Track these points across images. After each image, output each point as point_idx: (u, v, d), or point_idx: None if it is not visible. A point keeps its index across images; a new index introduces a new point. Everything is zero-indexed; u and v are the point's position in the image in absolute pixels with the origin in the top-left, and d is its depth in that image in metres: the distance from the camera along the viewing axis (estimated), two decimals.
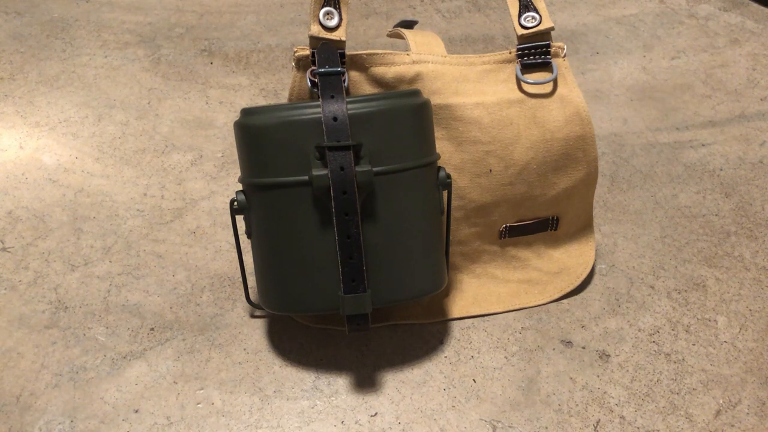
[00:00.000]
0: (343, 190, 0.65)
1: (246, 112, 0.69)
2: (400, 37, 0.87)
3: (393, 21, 1.35)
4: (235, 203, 0.77)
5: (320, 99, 0.67)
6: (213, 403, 0.72)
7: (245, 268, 0.85)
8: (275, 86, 1.16)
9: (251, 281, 0.85)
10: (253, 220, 0.71)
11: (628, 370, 0.76)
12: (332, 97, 0.67)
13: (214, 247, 0.90)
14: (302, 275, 0.69)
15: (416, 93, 0.71)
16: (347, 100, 0.67)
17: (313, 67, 0.74)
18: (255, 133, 0.68)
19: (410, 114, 0.69)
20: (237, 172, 1.00)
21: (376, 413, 0.71)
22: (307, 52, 0.74)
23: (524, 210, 0.82)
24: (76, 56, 1.17)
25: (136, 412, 0.71)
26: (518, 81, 0.79)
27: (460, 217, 0.80)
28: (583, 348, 0.78)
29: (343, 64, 0.74)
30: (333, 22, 0.73)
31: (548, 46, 0.79)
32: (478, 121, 0.77)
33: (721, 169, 1.05)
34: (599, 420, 0.71)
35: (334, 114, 0.66)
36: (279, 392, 0.73)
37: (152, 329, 0.79)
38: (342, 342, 0.78)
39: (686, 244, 0.92)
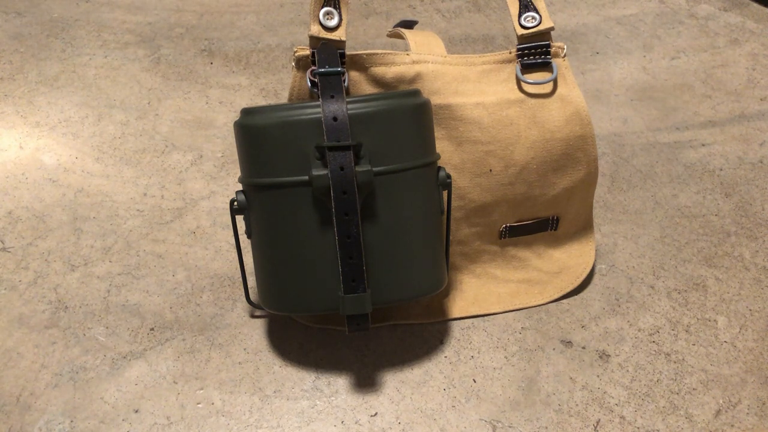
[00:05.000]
0: (343, 190, 0.65)
1: (246, 112, 0.69)
2: (400, 37, 0.87)
3: (393, 21, 1.35)
4: (235, 203, 0.77)
5: (320, 99, 0.67)
6: (213, 403, 0.72)
7: (245, 268, 0.85)
8: (275, 86, 1.16)
9: (251, 281, 0.85)
10: (253, 220, 0.71)
11: (628, 370, 0.76)
12: (332, 97, 0.67)
13: (214, 247, 0.90)
14: (302, 275, 0.69)
15: (416, 93, 0.71)
16: (347, 100, 0.67)
17: (313, 67, 0.74)
18: (255, 133, 0.68)
19: (410, 114, 0.69)
20: (237, 172, 1.00)
21: (376, 413, 0.71)
22: (307, 52, 0.74)
23: (524, 210, 0.82)
24: (76, 56, 1.17)
25: (136, 412, 0.71)
26: (518, 81, 0.79)
27: (460, 217, 0.80)
28: (583, 348, 0.78)
29: (343, 64, 0.74)
30: (333, 22, 0.73)
31: (548, 46, 0.79)
32: (478, 121, 0.77)
33: (721, 169, 1.05)
34: (599, 420, 0.71)
35: (334, 114, 0.66)
36: (279, 392, 0.73)
37: (152, 329, 0.79)
38: (342, 342, 0.78)
39: (686, 244, 0.92)
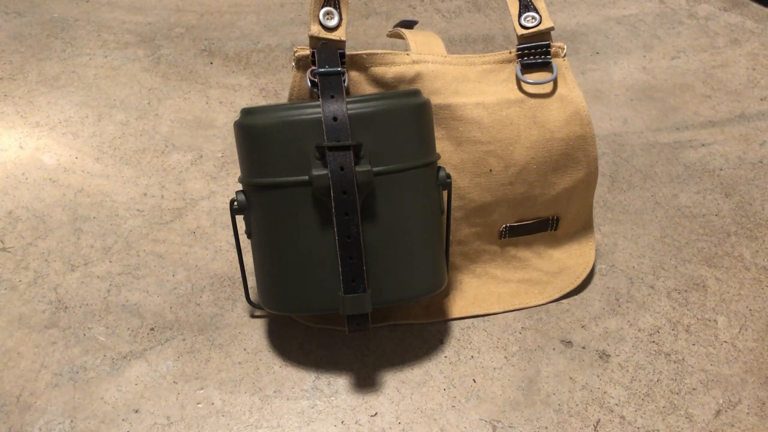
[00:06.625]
0: (343, 190, 0.65)
1: (246, 112, 0.69)
2: (400, 37, 0.87)
3: (393, 21, 1.35)
4: (235, 203, 0.77)
5: (320, 99, 0.67)
6: (213, 403, 0.72)
7: (245, 268, 0.85)
8: (275, 86, 1.16)
9: (251, 281, 0.85)
10: (253, 220, 0.71)
11: (628, 370, 0.76)
12: (332, 97, 0.67)
13: (214, 247, 0.90)
14: (302, 275, 0.69)
15: (416, 93, 0.71)
16: (347, 100, 0.67)
17: (313, 67, 0.74)
18: (255, 133, 0.68)
19: (410, 114, 0.69)
20: (237, 172, 1.00)
21: (376, 413, 0.71)
22: (307, 52, 0.74)
23: (524, 210, 0.82)
24: (76, 56, 1.17)
25: (136, 412, 0.71)
26: (518, 81, 0.79)
27: (460, 217, 0.80)
28: (583, 348, 0.78)
29: (343, 64, 0.74)
30: (333, 22, 0.73)
31: (548, 46, 0.79)
32: (478, 121, 0.77)
33: (721, 169, 1.05)
34: (599, 420, 0.71)
35: (334, 114, 0.66)
36: (279, 392, 0.73)
37: (152, 329, 0.79)
38: (342, 342, 0.78)
39: (686, 244, 0.92)
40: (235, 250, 0.88)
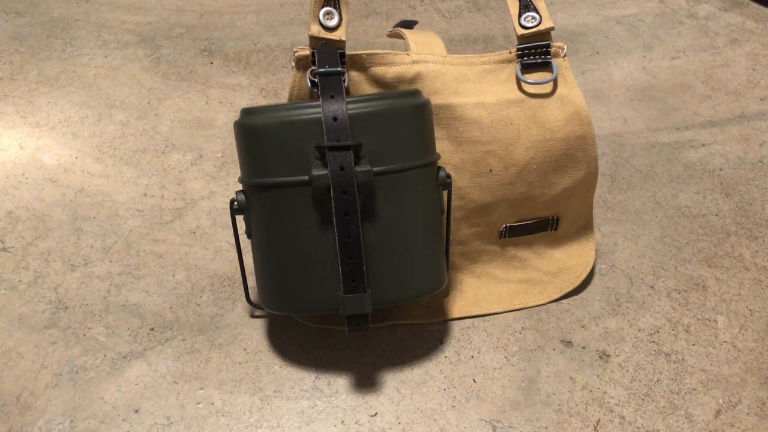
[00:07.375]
0: (343, 190, 0.65)
1: (246, 112, 0.69)
2: (400, 37, 0.87)
3: (393, 21, 1.35)
4: (235, 203, 0.77)
5: (320, 99, 0.67)
6: (213, 403, 0.72)
7: (245, 268, 0.85)
8: (275, 86, 1.16)
9: (251, 281, 0.85)
10: (253, 220, 0.71)
11: (628, 370, 0.76)
12: (332, 97, 0.67)
13: (214, 247, 0.90)
14: (302, 275, 0.69)
15: (416, 93, 0.71)
16: (347, 100, 0.67)
17: (313, 67, 0.74)
18: (255, 133, 0.68)
19: (410, 114, 0.69)
20: (237, 172, 1.00)
21: (376, 413, 0.71)
22: (307, 52, 0.74)
23: (524, 210, 0.82)
24: (76, 56, 1.17)
25: (136, 412, 0.71)
26: (518, 81, 0.79)
27: (460, 217, 0.80)
28: (583, 348, 0.78)
29: (343, 64, 0.74)
30: (333, 22, 0.73)
31: (548, 46, 0.79)
32: (478, 121, 0.77)
33: (721, 169, 1.05)
34: (599, 420, 0.71)
35: (334, 114, 0.66)
36: (279, 392, 0.73)
37: (152, 329, 0.79)
38: (342, 342, 0.78)
39: (686, 244, 0.92)
40: (235, 250, 0.88)
